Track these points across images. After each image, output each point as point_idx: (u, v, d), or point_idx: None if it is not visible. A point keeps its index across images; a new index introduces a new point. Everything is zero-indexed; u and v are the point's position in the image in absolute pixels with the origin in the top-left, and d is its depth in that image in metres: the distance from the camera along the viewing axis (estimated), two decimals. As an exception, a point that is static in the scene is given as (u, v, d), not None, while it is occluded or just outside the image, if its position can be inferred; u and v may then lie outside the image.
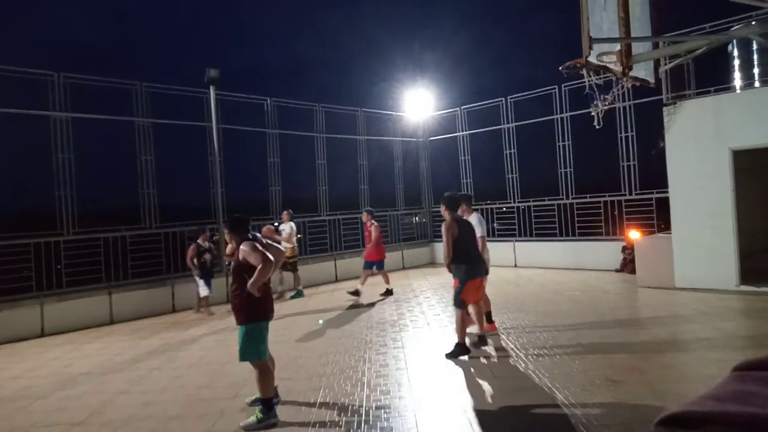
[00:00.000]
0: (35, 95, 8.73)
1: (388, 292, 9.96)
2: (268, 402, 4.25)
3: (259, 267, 4.13)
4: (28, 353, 7.21)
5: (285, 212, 10.34)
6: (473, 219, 6.72)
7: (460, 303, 5.81)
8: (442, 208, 6.29)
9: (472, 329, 6.25)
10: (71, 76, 9.07)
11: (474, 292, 5.93)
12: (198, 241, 9.07)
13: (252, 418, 4.20)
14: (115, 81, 9.81)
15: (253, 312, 4.27)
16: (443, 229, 6.03)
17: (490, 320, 6.71)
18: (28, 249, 8.50)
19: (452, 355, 5.67)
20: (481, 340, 6.10)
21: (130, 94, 9.83)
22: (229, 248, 7.58)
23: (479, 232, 6.58)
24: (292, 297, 10.26)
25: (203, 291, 9.06)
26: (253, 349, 4.28)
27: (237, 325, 4.35)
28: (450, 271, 6.02)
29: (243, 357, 4.31)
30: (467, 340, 5.88)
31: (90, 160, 10.31)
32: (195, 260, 8.90)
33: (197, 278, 9.00)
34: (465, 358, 5.63)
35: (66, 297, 8.67)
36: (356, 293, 9.82)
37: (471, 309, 6.05)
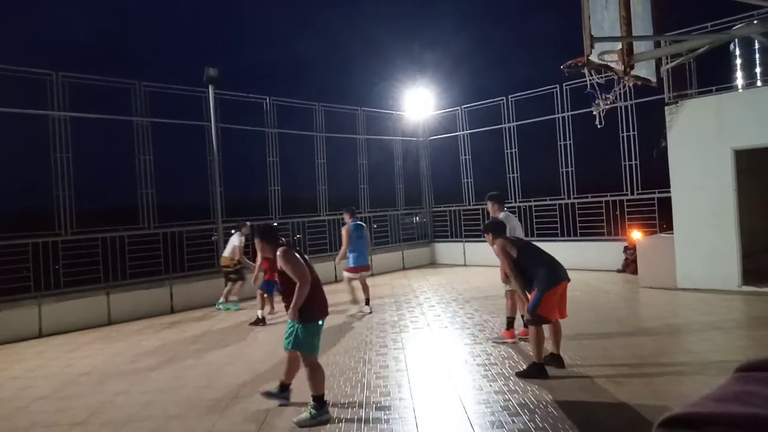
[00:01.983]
0: (33, 94, 8.70)
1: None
2: (320, 398, 4.25)
3: (298, 286, 4.16)
4: (27, 353, 7.18)
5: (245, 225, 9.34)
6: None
7: (535, 320, 4.87)
8: (488, 237, 5.44)
9: (508, 339, 6.02)
10: (69, 75, 9.04)
11: (556, 305, 4.94)
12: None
13: (305, 414, 4.19)
14: (113, 80, 9.78)
15: (313, 312, 4.29)
16: (498, 251, 5.20)
17: (509, 327, 6.25)
18: (26, 249, 8.46)
19: (524, 375, 4.88)
20: (555, 360, 5.11)
21: (129, 94, 9.78)
22: (258, 261, 7.61)
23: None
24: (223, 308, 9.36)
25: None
26: (309, 343, 4.29)
27: (293, 321, 4.30)
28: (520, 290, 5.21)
29: (297, 348, 4.29)
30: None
31: (88, 159, 10.27)
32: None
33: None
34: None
35: (64, 297, 8.64)
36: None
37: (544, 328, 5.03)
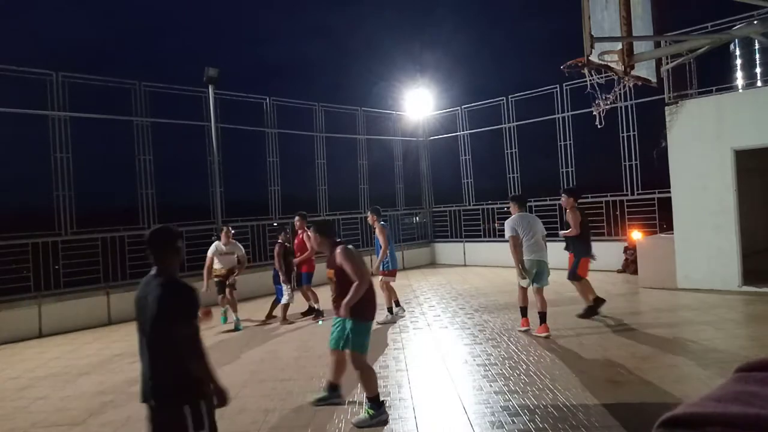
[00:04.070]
0: (33, 94, 8.71)
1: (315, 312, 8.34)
2: (376, 398, 4.22)
3: (357, 285, 4.11)
4: (27, 353, 7.19)
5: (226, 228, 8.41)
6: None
7: (576, 277, 7.27)
8: (567, 200, 7.64)
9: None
10: (70, 75, 9.04)
11: (586, 268, 7.40)
12: (279, 240, 8.25)
13: (364, 415, 4.17)
14: (113, 80, 9.78)
15: (365, 312, 4.26)
16: (571, 215, 7.43)
17: (543, 321, 6.44)
18: (26, 249, 8.47)
19: (584, 316, 7.10)
20: (597, 304, 7.27)
21: (129, 94, 9.79)
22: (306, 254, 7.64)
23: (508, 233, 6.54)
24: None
25: (286, 298, 8.03)
26: (360, 342, 4.24)
27: (346, 317, 4.23)
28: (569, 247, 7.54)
29: (349, 347, 4.25)
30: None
31: (88, 159, 10.29)
32: (282, 262, 7.96)
33: (283, 284, 7.98)
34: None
35: (64, 297, 8.64)
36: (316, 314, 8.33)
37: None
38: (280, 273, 8.02)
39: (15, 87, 8.46)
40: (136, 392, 5.14)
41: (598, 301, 7.25)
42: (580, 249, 7.38)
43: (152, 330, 2.65)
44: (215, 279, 8.12)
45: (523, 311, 6.74)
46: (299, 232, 8.34)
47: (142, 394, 2.69)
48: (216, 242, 8.26)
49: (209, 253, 8.12)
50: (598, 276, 10.67)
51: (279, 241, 8.26)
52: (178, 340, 2.61)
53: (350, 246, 4.43)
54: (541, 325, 6.39)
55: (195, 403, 2.57)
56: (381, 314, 8.17)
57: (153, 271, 2.76)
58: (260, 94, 11.92)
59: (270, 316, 8.38)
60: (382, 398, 4.25)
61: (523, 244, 6.47)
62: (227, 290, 8.06)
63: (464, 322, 7.47)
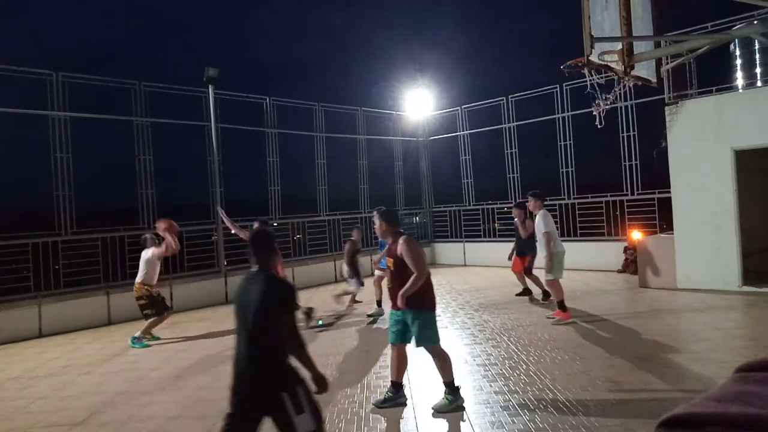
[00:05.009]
0: (33, 94, 8.71)
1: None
2: (452, 384, 4.29)
3: (415, 276, 4.09)
4: (27, 353, 7.18)
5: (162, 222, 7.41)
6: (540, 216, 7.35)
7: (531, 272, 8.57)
8: (519, 213, 8.59)
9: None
10: (70, 75, 9.04)
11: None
12: (353, 238, 8.55)
13: (443, 401, 4.24)
14: (113, 80, 9.78)
15: (427, 302, 4.27)
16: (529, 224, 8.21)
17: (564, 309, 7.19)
18: (26, 249, 8.47)
19: (545, 299, 8.14)
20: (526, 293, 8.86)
21: (129, 94, 9.79)
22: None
23: (543, 228, 7.16)
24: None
25: (354, 287, 8.66)
26: (432, 335, 4.28)
27: (402, 308, 4.18)
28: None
29: (421, 343, 4.24)
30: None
31: (88, 159, 10.28)
32: (351, 259, 8.41)
33: (350, 278, 8.50)
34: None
35: (64, 297, 8.64)
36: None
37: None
38: (349, 269, 8.47)
39: (15, 87, 8.46)
40: (137, 392, 5.15)
41: (528, 292, 8.82)
42: (534, 250, 8.36)
43: (254, 320, 2.74)
44: (153, 294, 7.29)
45: (562, 304, 7.12)
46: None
47: (236, 385, 2.79)
48: (153, 249, 7.28)
49: (155, 258, 7.22)
50: (598, 276, 10.68)
51: (352, 238, 8.65)
52: (280, 329, 2.75)
53: (413, 237, 4.43)
54: (564, 311, 7.09)
55: (292, 390, 2.69)
56: (371, 308, 8.23)
57: (254, 268, 2.93)
58: (260, 94, 11.94)
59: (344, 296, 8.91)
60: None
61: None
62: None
63: (464, 322, 7.47)
